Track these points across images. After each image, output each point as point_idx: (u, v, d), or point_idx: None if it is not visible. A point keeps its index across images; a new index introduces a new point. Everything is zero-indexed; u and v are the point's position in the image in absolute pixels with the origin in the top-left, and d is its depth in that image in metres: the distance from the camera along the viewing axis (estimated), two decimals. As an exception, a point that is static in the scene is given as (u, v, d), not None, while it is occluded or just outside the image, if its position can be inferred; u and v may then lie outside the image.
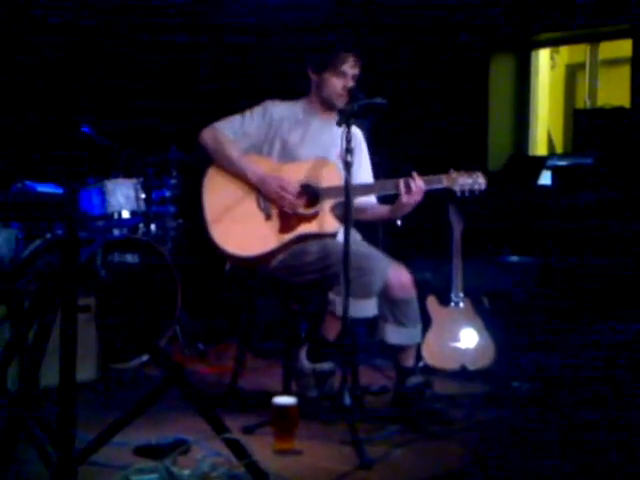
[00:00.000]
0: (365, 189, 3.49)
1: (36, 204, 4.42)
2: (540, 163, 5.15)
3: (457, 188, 3.41)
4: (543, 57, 5.95)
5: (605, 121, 4.83)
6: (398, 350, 3.35)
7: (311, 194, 3.42)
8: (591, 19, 5.20)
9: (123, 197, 4.50)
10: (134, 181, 4.57)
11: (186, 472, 2.42)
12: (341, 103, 3.44)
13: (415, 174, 3.36)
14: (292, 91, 3.64)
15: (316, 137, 3.54)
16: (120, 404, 3.22)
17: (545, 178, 5.00)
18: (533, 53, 5.85)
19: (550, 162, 5.02)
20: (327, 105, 3.54)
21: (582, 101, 5.75)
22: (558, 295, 4.41)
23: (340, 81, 3.47)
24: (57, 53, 5.13)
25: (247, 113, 3.53)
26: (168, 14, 5.57)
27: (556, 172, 4.80)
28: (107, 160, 4.65)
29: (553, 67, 6.19)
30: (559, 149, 5.98)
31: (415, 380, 3.33)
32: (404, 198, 3.35)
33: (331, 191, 3.38)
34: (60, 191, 4.46)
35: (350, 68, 3.47)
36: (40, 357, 2.48)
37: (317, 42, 3.87)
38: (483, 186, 3.43)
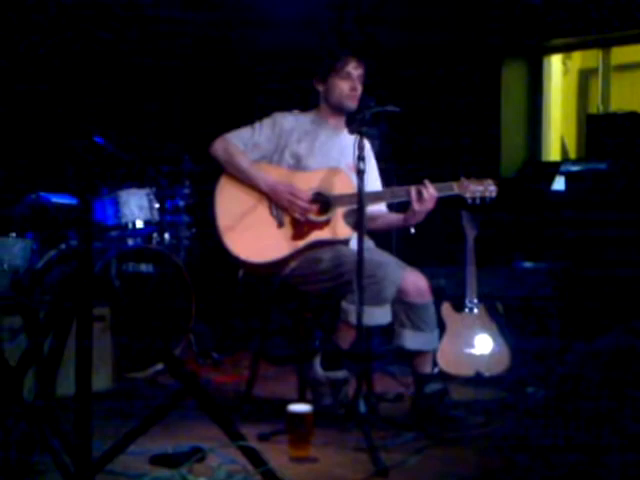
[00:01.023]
0: (377, 196, 3.50)
1: (51, 215, 4.46)
2: (553, 169, 5.14)
3: (468, 195, 3.42)
4: (555, 63, 5.95)
5: (618, 126, 4.82)
6: (415, 356, 3.34)
7: (323, 202, 3.43)
8: (603, 24, 5.19)
9: (137, 207, 4.52)
10: (147, 191, 4.58)
11: (202, 480, 2.42)
12: (351, 105, 3.46)
13: (427, 181, 3.37)
14: (301, 103, 3.66)
15: (324, 148, 3.56)
16: (135, 413, 3.23)
17: (559, 184, 4.98)
18: (545, 59, 5.85)
19: (563, 168, 5.00)
20: (337, 110, 3.56)
21: (595, 106, 5.73)
22: (572, 301, 4.40)
23: (346, 83, 3.49)
24: (71, 65, 5.16)
25: (257, 125, 3.56)
26: (180, 28, 5.60)
27: (569, 178, 4.79)
28: (120, 170, 4.67)
29: (565, 73, 6.18)
30: (572, 155, 5.96)
31: (434, 386, 3.32)
32: (416, 205, 3.35)
33: (343, 198, 3.39)
34: (74, 202, 4.49)
35: (354, 69, 3.49)
36: (56, 367, 2.50)
37: (318, 51, 3.89)
38: (494, 194, 3.43)
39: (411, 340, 3.31)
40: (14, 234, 4.30)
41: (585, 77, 6.30)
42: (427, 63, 5.60)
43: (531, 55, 5.79)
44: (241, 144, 3.49)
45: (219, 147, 3.50)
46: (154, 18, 5.44)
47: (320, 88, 3.57)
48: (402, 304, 3.30)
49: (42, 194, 4.50)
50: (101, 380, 3.68)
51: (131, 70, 5.48)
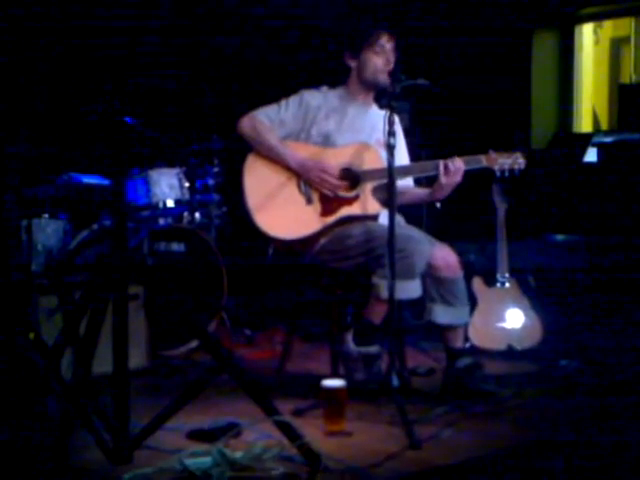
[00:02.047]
0: (406, 170, 3.49)
1: (83, 195, 4.51)
2: (585, 140, 5.09)
3: (496, 168, 3.42)
4: (587, 32, 5.87)
5: (651, 95, 4.76)
6: (447, 330, 3.35)
7: (352, 178, 3.43)
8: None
9: (167, 186, 4.55)
10: (177, 170, 4.61)
11: (239, 454, 2.45)
12: (385, 80, 3.44)
13: (455, 156, 3.37)
14: (329, 80, 3.66)
15: (353, 123, 3.55)
16: (170, 390, 3.27)
17: (591, 155, 4.94)
18: (576, 28, 5.77)
19: (595, 139, 4.96)
20: (370, 86, 3.55)
21: (627, 76, 5.66)
22: (605, 273, 4.37)
23: (380, 57, 3.48)
24: (100, 44, 5.18)
25: (283, 102, 3.55)
26: (206, 5, 5.60)
27: (602, 149, 4.74)
28: (150, 150, 4.70)
29: (597, 42, 6.09)
30: (604, 125, 5.90)
31: (466, 361, 3.33)
32: (443, 179, 3.35)
33: (371, 174, 3.39)
34: (106, 182, 4.53)
35: (387, 42, 3.49)
36: (93, 346, 2.53)
37: (349, 27, 3.87)
38: (522, 166, 3.43)
39: (442, 315, 3.32)
40: (47, 215, 4.35)
41: (617, 46, 6.21)
42: (457, 35, 5.55)
43: (562, 24, 5.72)
44: (268, 121, 3.49)
45: (246, 125, 3.51)
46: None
47: (352, 64, 3.55)
48: (432, 279, 3.31)
49: (74, 175, 4.54)
50: (136, 358, 3.70)
51: (159, 49, 5.48)
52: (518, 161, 3.42)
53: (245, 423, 2.78)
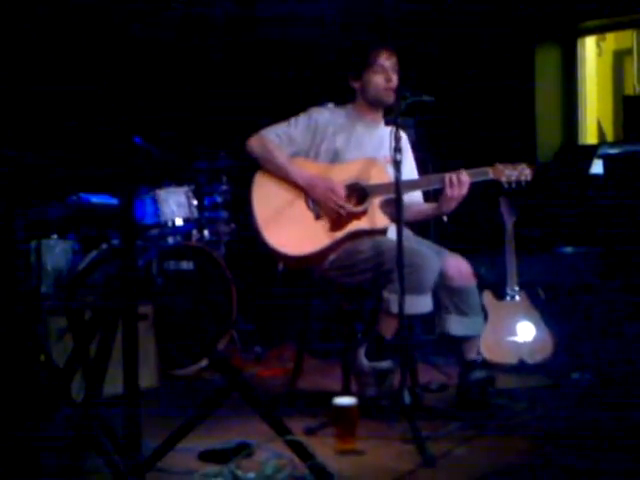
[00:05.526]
0: (412, 184, 3.49)
1: (91, 215, 4.52)
2: (591, 152, 5.09)
3: (503, 180, 3.42)
4: (589, 45, 5.88)
5: (656, 106, 4.75)
6: (461, 342, 3.34)
7: (359, 193, 3.44)
8: (636, 4, 5.12)
9: (175, 205, 4.56)
10: (185, 188, 4.62)
11: (251, 475, 2.44)
12: (389, 99, 3.46)
13: (462, 170, 3.37)
14: (336, 99, 3.67)
15: (361, 141, 3.56)
16: (181, 410, 3.25)
17: (597, 167, 4.93)
18: (579, 41, 5.78)
19: (601, 151, 4.95)
20: (375, 105, 3.56)
21: (631, 87, 5.65)
22: (615, 285, 4.35)
23: (381, 76, 3.49)
24: (107, 65, 5.20)
25: (292, 120, 3.57)
26: (213, 24, 5.62)
27: (608, 161, 4.73)
28: (159, 169, 4.70)
29: (600, 54, 6.10)
30: (610, 137, 5.89)
31: (479, 374, 3.32)
32: (449, 192, 3.35)
33: (379, 188, 3.39)
34: (114, 202, 4.53)
35: (387, 60, 3.50)
36: (103, 368, 2.52)
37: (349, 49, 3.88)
38: (529, 177, 3.43)
39: (456, 326, 3.30)
40: (56, 236, 4.36)
41: (620, 58, 6.21)
42: (460, 50, 5.56)
43: (564, 38, 5.73)
44: (276, 139, 3.51)
45: (255, 144, 3.52)
46: (187, 15, 5.46)
47: (356, 85, 3.57)
48: (446, 289, 3.30)
49: (82, 195, 4.55)
50: (145, 378, 3.70)
51: (166, 69, 5.50)
52: (524, 172, 3.43)
53: (256, 443, 2.76)
